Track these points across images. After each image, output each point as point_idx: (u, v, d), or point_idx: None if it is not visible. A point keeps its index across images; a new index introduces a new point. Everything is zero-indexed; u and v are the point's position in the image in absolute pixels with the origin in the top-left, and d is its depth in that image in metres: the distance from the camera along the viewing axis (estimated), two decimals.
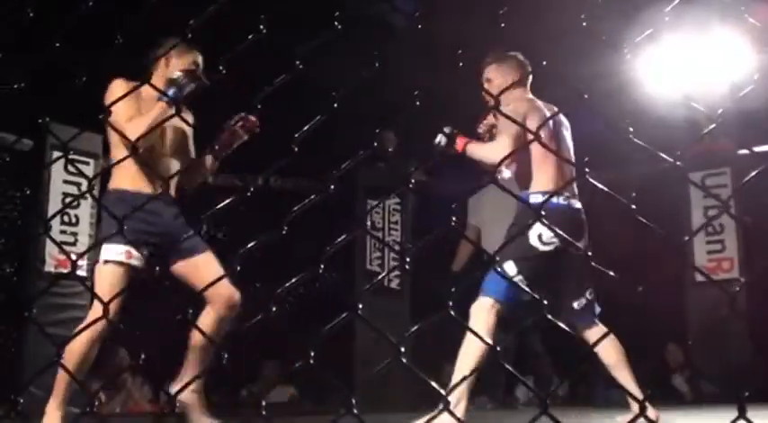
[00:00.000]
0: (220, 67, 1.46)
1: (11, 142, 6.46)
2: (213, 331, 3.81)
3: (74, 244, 6.52)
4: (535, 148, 3.91)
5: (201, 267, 3.88)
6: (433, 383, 1.46)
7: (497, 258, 3.69)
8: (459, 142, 4.03)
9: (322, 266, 1.33)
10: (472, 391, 3.88)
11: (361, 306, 1.28)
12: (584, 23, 1.33)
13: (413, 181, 8.01)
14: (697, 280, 7.42)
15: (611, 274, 1.41)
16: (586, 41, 3.93)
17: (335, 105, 1.40)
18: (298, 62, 1.38)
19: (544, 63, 3.33)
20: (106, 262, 3.71)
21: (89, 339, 3.67)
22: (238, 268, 1.57)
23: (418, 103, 1.61)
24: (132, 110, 3.82)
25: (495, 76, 4.18)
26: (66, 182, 6.57)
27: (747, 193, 6.46)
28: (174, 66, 4.03)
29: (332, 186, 1.36)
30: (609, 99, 4.08)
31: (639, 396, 3.53)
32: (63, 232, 6.46)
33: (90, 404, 1.43)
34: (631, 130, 1.35)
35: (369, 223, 7.97)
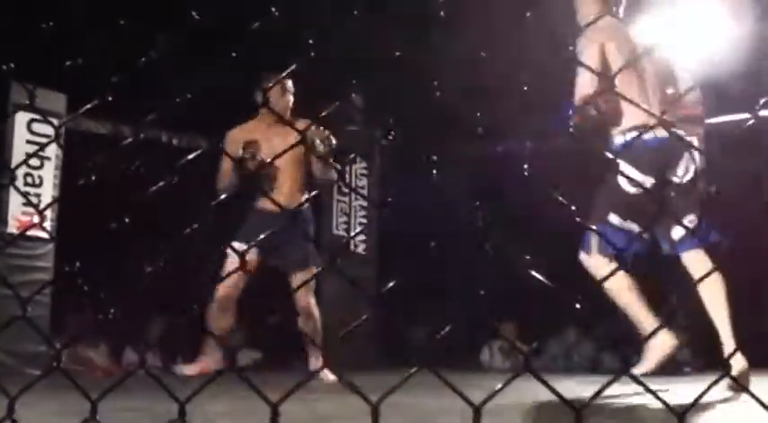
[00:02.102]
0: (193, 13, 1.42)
1: None
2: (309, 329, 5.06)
3: (38, 205, 6.42)
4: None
5: (296, 282, 4.98)
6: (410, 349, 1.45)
7: (600, 217, 3.65)
8: None
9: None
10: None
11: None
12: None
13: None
14: None
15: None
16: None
17: (312, 54, 1.36)
18: (273, 9, 1.34)
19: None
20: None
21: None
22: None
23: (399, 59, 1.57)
24: (228, 163, 4.96)
25: (579, 6, 3.97)
26: (29, 142, 6.45)
27: (712, 163, 6.48)
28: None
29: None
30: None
31: (730, 346, 3.42)
32: (27, 194, 6.35)
33: (57, 360, 1.40)
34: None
35: (335, 188, 7.93)
